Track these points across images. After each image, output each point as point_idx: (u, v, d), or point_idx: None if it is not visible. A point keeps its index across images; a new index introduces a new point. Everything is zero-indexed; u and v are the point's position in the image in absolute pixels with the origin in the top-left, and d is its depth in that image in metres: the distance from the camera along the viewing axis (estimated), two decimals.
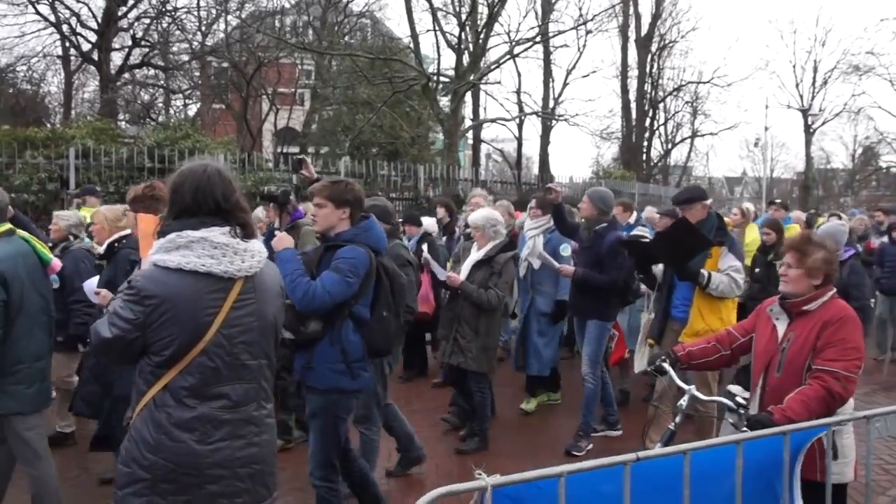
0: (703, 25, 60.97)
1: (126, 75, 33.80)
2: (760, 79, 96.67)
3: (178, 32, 34.14)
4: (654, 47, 44.09)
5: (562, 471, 2.99)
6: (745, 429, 4.14)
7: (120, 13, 31.40)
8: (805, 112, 48.66)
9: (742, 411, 4.31)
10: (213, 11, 33.91)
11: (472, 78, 25.35)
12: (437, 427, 8.45)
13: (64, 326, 7.20)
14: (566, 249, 8.69)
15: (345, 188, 5.21)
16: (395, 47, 29.71)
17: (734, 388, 4.47)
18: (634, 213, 11.15)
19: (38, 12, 30.45)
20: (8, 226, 5.49)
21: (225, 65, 34.79)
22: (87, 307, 6.52)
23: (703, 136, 48.47)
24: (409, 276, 6.58)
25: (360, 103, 29.82)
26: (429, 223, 10.87)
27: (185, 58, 34.58)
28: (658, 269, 7.26)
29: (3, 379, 5.17)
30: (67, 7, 30.88)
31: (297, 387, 6.09)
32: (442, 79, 26.85)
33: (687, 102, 47.16)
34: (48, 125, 26.97)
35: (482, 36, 25.64)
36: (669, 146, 49.06)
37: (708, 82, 44.16)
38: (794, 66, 52.52)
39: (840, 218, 14.00)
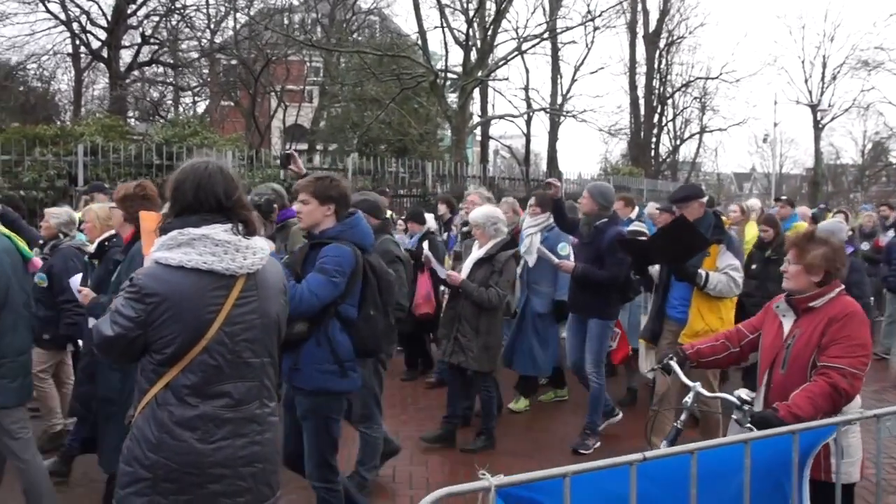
0: (712, 21, 60.93)
1: (135, 73, 33.87)
2: (769, 74, 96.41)
3: (187, 30, 34.21)
4: (662, 43, 44.02)
5: (566, 471, 2.96)
6: (749, 425, 4.12)
7: (129, 11, 31.49)
8: (814, 108, 48.51)
9: (746, 408, 4.28)
10: (222, 9, 33.96)
11: (479, 74, 25.31)
12: (437, 424, 8.36)
13: (52, 324, 7.20)
14: (564, 248, 8.62)
15: (329, 184, 5.11)
16: (403, 44, 29.67)
17: (742, 392, 4.45)
18: (636, 208, 11.08)
19: (48, 10, 30.51)
20: None
21: (234, 62, 34.81)
22: (76, 307, 6.44)
23: (711, 132, 48.37)
24: (398, 272, 6.49)
25: (368, 100, 29.77)
26: (431, 220, 10.83)
27: (194, 55, 34.63)
28: (654, 269, 7.21)
29: None
30: (77, 5, 30.96)
31: None
32: (450, 75, 26.82)
33: (695, 98, 47.11)
34: (58, 122, 27.02)
35: (490, 32, 25.61)
36: (678, 142, 48.99)
37: (716, 78, 43.99)
38: (802, 62, 52.70)
39: (845, 215, 13.92)
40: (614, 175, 28.10)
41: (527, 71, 47.33)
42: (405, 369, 10.70)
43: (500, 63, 28.20)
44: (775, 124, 56.18)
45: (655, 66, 44.07)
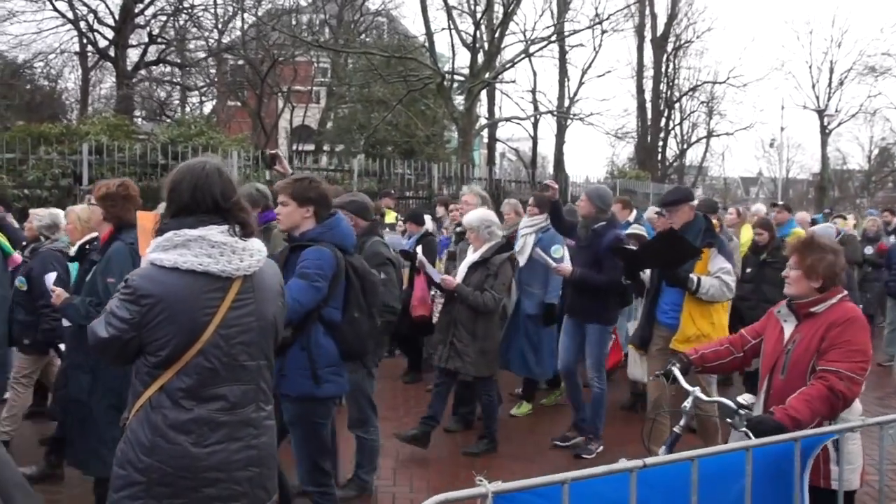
0: (719, 26, 60.84)
1: (142, 72, 33.94)
2: (776, 79, 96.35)
3: (194, 30, 34.28)
4: (669, 47, 43.88)
5: (565, 477, 2.93)
6: (743, 429, 4.08)
7: (137, 10, 31.53)
8: (821, 113, 48.40)
9: (743, 412, 4.24)
10: (230, 9, 34.00)
11: (486, 77, 25.28)
12: (439, 430, 8.30)
13: (32, 329, 7.12)
14: (558, 251, 8.51)
15: (308, 185, 5.04)
16: (411, 46, 29.65)
17: (745, 397, 4.41)
18: (634, 211, 11.01)
19: (55, 9, 30.63)
20: None
21: (241, 62, 34.84)
22: (55, 312, 6.32)
23: (718, 136, 48.20)
24: (389, 274, 6.42)
25: (375, 102, 29.75)
26: (429, 222, 10.78)
27: (202, 55, 34.69)
28: (646, 274, 7.14)
29: None
30: (85, 3, 31.07)
31: None
32: (457, 77, 26.80)
33: (702, 102, 46.99)
34: (64, 121, 27.05)
35: (497, 34, 25.59)
36: (685, 146, 48.90)
37: (724, 82, 43.89)
38: (810, 67, 52.23)
39: (845, 219, 13.82)
40: (621, 178, 28.05)
41: (534, 73, 47.46)
42: (407, 371, 10.66)
43: (508, 65, 28.15)
44: (782, 129, 56.09)
45: (663, 69, 43.96)
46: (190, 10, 32.99)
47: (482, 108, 36.41)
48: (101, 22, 31.80)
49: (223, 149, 16.87)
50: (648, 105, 43.84)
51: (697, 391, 4.62)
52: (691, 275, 6.52)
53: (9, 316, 7.14)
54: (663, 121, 45.46)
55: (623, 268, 7.30)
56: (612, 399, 8.65)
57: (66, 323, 5.67)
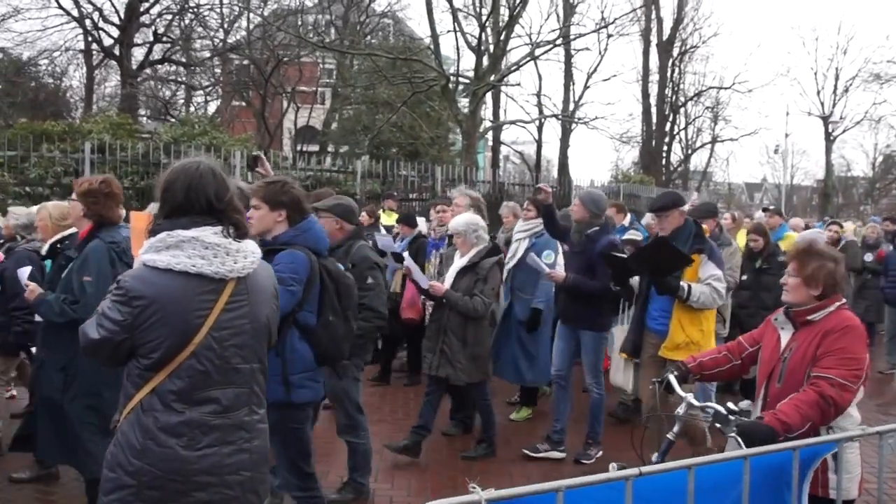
0: (725, 31, 60.74)
1: (147, 71, 33.94)
2: (781, 85, 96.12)
3: (199, 29, 34.27)
4: (675, 52, 43.95)
5: (560, 485, 2.89)
6: (732, 434, 4.06)
7: (142, 9, 31.56)
8: (826, 119, 48.42)
9: (732, 417, 4.20)
10: (236, 8, 33.99)
11: (491, 79, 25.24)
12: (437, 434, 8.25)
13: (4, 330, 7.02)
14: (549, 256, 8.36)
15: (280, 188, 4.96)
16: (416, 47, 29.63)
17: (743, 404, 4.38)
18: (628, 215, 10.94)
19: (60, 6, 30.59)
20: None
21: (246, 62, 34.84)
22: (27, 314, 6.30)
23: (723, 141, 48.38)
24: (376, 279, 6.33)
25: (379, 103, 29.73)
26: (423, 224, 10.70)
27: (207, 54, 34.69)
28: (634, 280, 7.06)
29: None
30: (90, 2, 31.10)
31: None
32: (462, 80, 26.76)
33: (707, 108, 47.13)
34: (69, 119, 27.07)
35: (502, 37, 25.53)
36: (689, 151, 48.97)
37: (729, 88, 43.97)
38: (815, 74, 52.51)
39: (842, 227, 13.72)
40: (625, 183, 28.03)
41: (539, 77, 47.19)
42: (408, 374, 10.63)
43: (513, 68, 28.13)
44: (787, 135, 56.39)
45: (668, 74, 44.03)
46: (195, 10, 33.03)
47: (487, 111, 36.46)
48: (106, 20, 31.87)
49: (226, 149, 16.88)
50: (653, 110, 43.89)
51: (690, 397, 4.57)
52: (682, 283, 6.44)
53: None
54: (668, 125, 45.56)
55: (612, 275, 7.21)
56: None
57: (37, 318, 5.63)
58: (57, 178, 14.71)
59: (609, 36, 36.46)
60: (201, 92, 37.92)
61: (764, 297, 9.05)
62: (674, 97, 45.05)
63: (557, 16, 34.16)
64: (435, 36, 25.67)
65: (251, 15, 33.32)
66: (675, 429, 4.59)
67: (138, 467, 3.17)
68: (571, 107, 39.44)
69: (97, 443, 5.15)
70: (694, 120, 47.93)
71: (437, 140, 30.22)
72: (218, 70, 36.13)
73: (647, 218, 10.81)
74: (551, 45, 28.24)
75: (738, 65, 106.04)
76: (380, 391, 10.09)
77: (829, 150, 49.79)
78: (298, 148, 35.18)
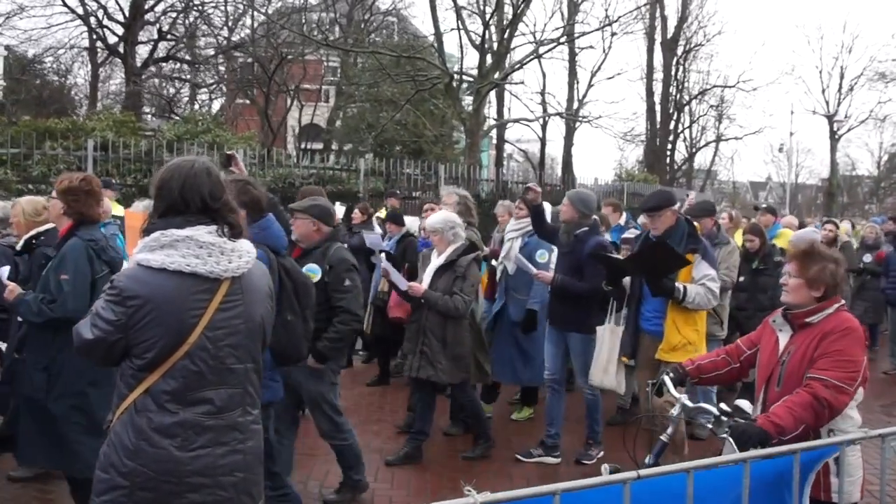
0: (730, 29, 60.49)
1: (152, 68, 33.96)
2: (786, 84, 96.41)
3: (204, 27, 34.31)
4: (679, 50, 43.92)
5: (556, 488, 2.87)
6: (724, 435, 4.02)
7: (147, 6, 31.58)
8: (831, 118, 48.36)
9: (725, 418, 4.16)
10: (240, 6, 34.03)
11: (495, 77, 25.21)
12: (438, 434, 8.25)
13: None
14: (543, 256, 8.29)
15: (241, 188, 4.87)
16: (420, 45, 29.60)
17: (742, 403, 4.34)
18: (624, 214, 10.84)
19: (65, 4, 30.67)
20: None
21: (250, 60, 34.88)
22: (2, 312, 6.23)
23: (727, 140, 48.25)
24: (354, 281, 6.20)
25: (383, 101, 29.72)
26: (411, 223, 10.61)
27: (211, 52, 34.74)
28: (626, 280, 6.90)
29: None
30: None
31: None
32: (465, 78, 26.74)
33: (712, 106, 47.09)
34: (73, 117, 27.11)
35: (506, 35, 25.49)
36: (693, 150, 48.91)
37: (733, 86, 43.89)
38: (820, 72, 52.17)
39: (836, 226, 13.61)
40: (629, 181, 28.00)
41: (543, 75, 47.31)
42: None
43: (517, 66, 28.11)
44: (791, 134, 55.99)
45: (672, 72, 43.97)
46: (200, 7, 33.08)
47: (491, 110, 36.48)
48: (110, 18, 31.91)
49: (229, 146, 16.86)
50: (658, 108, 43.92)
51: (685, 398, 4.53)
52: (677, 284, 6.34)
53: None
54: (672, 124, 45.56)
55: (606, 275, 7.06)
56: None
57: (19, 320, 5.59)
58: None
59: (613, 34, 36.36)
60: (205, 90, 38.04)
61: (761, 299, 8.99)
62: (678, 95, 45.03)
63: (561, 14, 34.06)
64: (439, 34, 25.65)
65: (255, 13, 33.39)
66: (669, 430, 4.55)
67: (131, 468, 3.15)
68: (575, 105, 39.40)
69: (83, 442, 5.14)
70: (698, 118, 47.94)
71: (440, 138, 30.21)
72: (222, 68, 36.22)
73: (643, 217, 10.76)
74: (555, 44, 28.20)
75: (743, 63, 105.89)
76: (379, 391, 10.07)
77: (833, 149, 49.76)
78: (302, 146, 35.14)
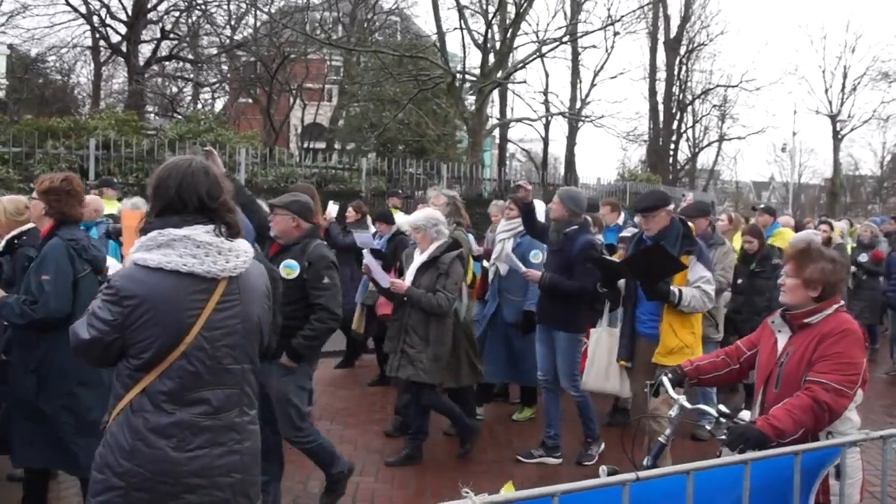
0: (733, 29, 60.60)
1: (154, 67, 33.98)
2: (789, 83, 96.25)
3: (206, 26, 34.31)
4: (682, 50, 43.87)
5: (555, 490, 2.85)
6: (721, 437, 4.01)
7: (150, 5, 31.59)
8: (834, 118, 48.31)
9: (723, 420, 4.14)
10: (243, 5, 34.05)
11: (497, 77, 25.19)
12: (439, 433, 8.22)
13: None
14: (537, 256, 8.27)
15: None
16: (422, 45, 29.57)
17: (743, 414, 4.32)
18: (622, 214, 10.79)
19: (68, 3, 30.64)
20: None
21: (253, 59, 34.87)
22: None
23: (730, 140, 48.16)
24: (333, 279, 6.09)
25: (386, 100, 29.69)
26: (402, 221, 10.51)
27: (214, 51, 34.74)
28: (621, 282, 6.81)
29: None
30: None
31: None
32: (468, 77, 26.72)
33: (715, 106, 46.96)
34: (76, 115, 27.14)
35: (509, 34, 25.48)
36: (696, 149, 48.85)
37: (736, 86, 43.71)
38: (823, 72, 52.06)
39: (830, 227, 13.54)
40: (631, 181, 27.98)
41: (546, 74, 47.20)
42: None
43: (519, 66, 28.05)
44: (794, 134, 56.06)
45: (675, 72, 43.94)
46: (203, 7, 33.09)
47: (494, 109, 36.42)
48: (113, 17, 31.92)
49: (231, 145, 16.87)
50: (661, 108, 43.87)
51: (683, 399, 4.50)
52: (672, 287, 6.24)
53: None
54: (675, 124, 45.45)
55: (600, 277, 6.93)
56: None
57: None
58: None
59: (616, 34, 36.22)
60: (208, 89, 38.01)
61: (757, 302, 8.90)
62: (681, 95, 44.95)
63: (564, 13, 34.07)
64: (441, 33, 25.63)
65: (258, 12, 33.35)
66: (668, 432, 4.53)
67: (127, 469, 3.14)
68: (578, 104, 39.36)
69: (77, 443, 5.16)
70: (701, 118, 47.84)
71: (443, 138, 30.14)
72: (225, 67, 36.19)
73: (638, 217, 10.70)
74: (558, 43, 28.16)
75: (746, 63, 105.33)
76: (381, 391, 10.05)
77: (836, 149, 49.69)
78: (305, 145, 35.14)
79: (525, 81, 47.20)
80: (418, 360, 7.08)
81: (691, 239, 6.53)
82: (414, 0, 37.07)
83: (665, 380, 4.59)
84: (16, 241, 5.78)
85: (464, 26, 26.40)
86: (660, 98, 43.80)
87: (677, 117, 45.52)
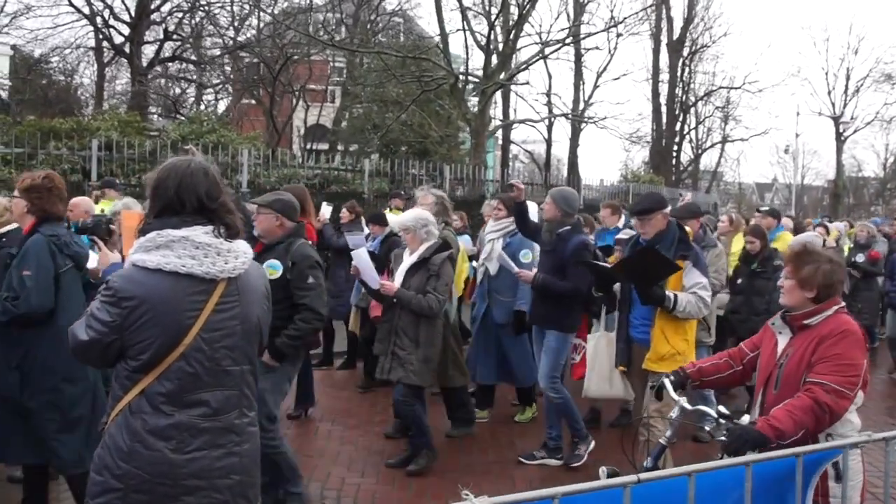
0: (736, 30, 60.55)
1: (157, 68, 33.97)
2: (792, 85, 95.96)
3: (210, 27, 34.29)
4: (685, 51, 43.92)
5: (555, 492, 2.83)
6: (722, 438, 3.99)
7: (153, 6, 31.58)
8: (837, 120, 48.35)
9: (723, 421, 4.12)
10: (246, 6, 34.00)
11: (500, 78, 25.18)
12: (439, 435, 8.12)
13: None
14: (527, 255, 8.24)
15: None
16: (425, 46, 29.57)
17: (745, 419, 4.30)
18: (623, 217, 10.74)
19: (71, 4, 30.59)
20: None
21: (256, 60, 34.86)
22: None
23: (733, 141, 48.18)
24: (317, 278, 6.03)
25: (389, 102, 29.71)
26: (394, 222, 10.46)
27: (217, 52, 34.73)
28: (616, 285, 6.71)
29: None
30: None
31: None
32: (471, 78, 26.73)
33: (718, 107, 47.00)
34: (79, 116, 27.17)
35: (512, 36, 25.48)
36: (699, 151, 48.82)
37: (739, 88, 43.78)
38: (826, 74, 52.29)
39: (826, 230, 13.49)
40: (634, 182, 27.96)
41: (549, 76, 47.35)
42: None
43: (522, 67, 28.05)
44: (797, 135, 56.09)
45: (678, 74, 43.97)
46: (206, 8, 33.04)
47: (497, 110, 36.44)
48: (116, 18, 31.87)
49: (234, 147, 16.87)
50: (663, 109, 43.90)
51: (683, 401, 4.47)
52: (667, 292, 6.10)
53: None
54: (678, 125, 45.50)
55: (595, 281, 6.94)
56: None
57: None
58: (64, 176, 14.64)
59: (619, 35, 36.28)
60: (211, 90, 37.99)
61: (756, 302, 8.84)
62: (684, 97, 44.99)
63: (567, 14, 34.11)
64: (444, 34, 25.65)
65: (261, 13, 33.37)
66: (668, 433, 4.51)
67: (126, 470, 3.13)
68: (581, 106, 39.40)
69: (59, 439, 5.18)
70: (704, 120, 47.86)
71: (446, 139, 30.16)
72: (228, 68, 36.16)
73: (634, 220, 10.64)
74: (561, 44, 28.18)
75: (749, 64, 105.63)
76: (382, 392, 10.01)
77: (839, 151, 49.73)
78: (307, 146, 35.14)
79: (528, 83, 47.02)
80: (408, 362, 7.01)
81: (687, 243, 6.40)
82: (417, 1, 37.18)
83: (667, 381, 4.58)
84: (1, 239, 5.80)
85: (467, 28, 26.40)
86: (663, 99, 43.85)
87: (680, 119, 45.56)
